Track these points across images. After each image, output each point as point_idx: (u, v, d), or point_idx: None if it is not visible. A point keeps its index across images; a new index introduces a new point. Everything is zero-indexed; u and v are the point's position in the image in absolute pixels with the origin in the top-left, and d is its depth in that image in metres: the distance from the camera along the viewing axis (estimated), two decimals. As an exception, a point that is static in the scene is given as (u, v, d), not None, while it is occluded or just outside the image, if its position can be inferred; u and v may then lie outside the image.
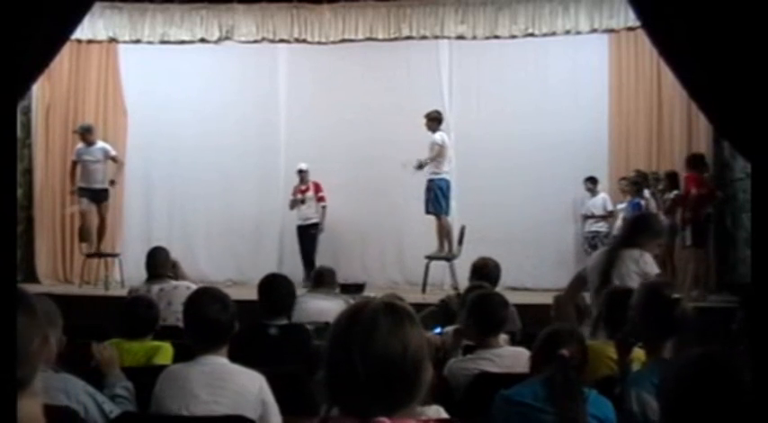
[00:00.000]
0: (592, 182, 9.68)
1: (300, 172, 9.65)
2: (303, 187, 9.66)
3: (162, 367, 3.10)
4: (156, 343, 3.76)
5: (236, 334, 2.94)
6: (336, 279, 6.09)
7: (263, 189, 10.30)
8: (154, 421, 2.90)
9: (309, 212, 9.66)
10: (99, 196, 9.17)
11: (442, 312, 5.13)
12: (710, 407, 1.32)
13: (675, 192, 8.46)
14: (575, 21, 9.65)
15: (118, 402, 2.84)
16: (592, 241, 9.69)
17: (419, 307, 5.17)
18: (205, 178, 10.27)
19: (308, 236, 9.61)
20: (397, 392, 1.43)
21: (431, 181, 8.71)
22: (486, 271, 5.23)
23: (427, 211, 8.80)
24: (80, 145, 9.17)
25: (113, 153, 9.23)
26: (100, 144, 9.19)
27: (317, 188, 9.72)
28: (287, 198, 9.86)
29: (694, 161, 8.44)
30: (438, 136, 8.77)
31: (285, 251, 10.03)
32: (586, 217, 9.77)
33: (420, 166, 8.74)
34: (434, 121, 8.86)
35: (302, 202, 9.61)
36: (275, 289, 4.20)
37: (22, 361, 1.50)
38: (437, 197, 8.69)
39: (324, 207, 9.70)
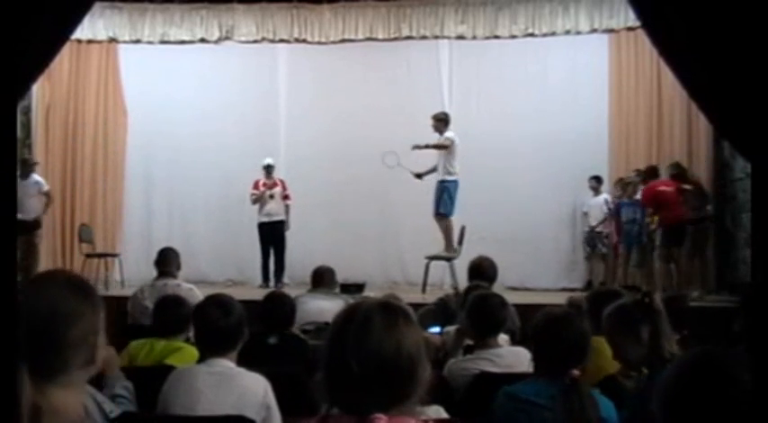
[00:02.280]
0: (597, 181, 9.65)
1: (268, 167, 9.49)
2: (270, 182, 9.51)
3: (168, 368, 3.13)
4: (179, 344, 3.72)
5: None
6: (336, 279, 6.10)
7: (263, 189, 10.30)
8: (155, 421, 2.91)
9: (276, 209, 9.48)
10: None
11: (440, 311, 5.13)
12: (709, 407, 1.32)
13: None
14: (575, 21, 9.65)
15: (118, 402, 2.84)
16: (591, 242, 9.69)
17: (419, 307, 5.17)
18: (205, 178, 10.27)
19: (278, 234, 9.46)
20: (392, 390, 1.44)
21: (443, 182, 8.58)
22: (482, 270, 5.24)
23: (437, 213, 8.66)
24: None
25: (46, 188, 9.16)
26: (34, 178, 9.10)
27: (283, 185, 9.59)
28: (290, 193, 9.78)
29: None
30: (451, 134, 8.64)
31: (285, 251, 10.02)
32: (585, 213, 9.77)
33: (418, 176, 8.79)
34: (441, 121, 8.77)
35: (271, 196, 9.46)
36: (278, 307, 4.28)
37: (57, 346, 1.47)
38: (450, 199, 8.58)
39: (288, 205, 9.57)
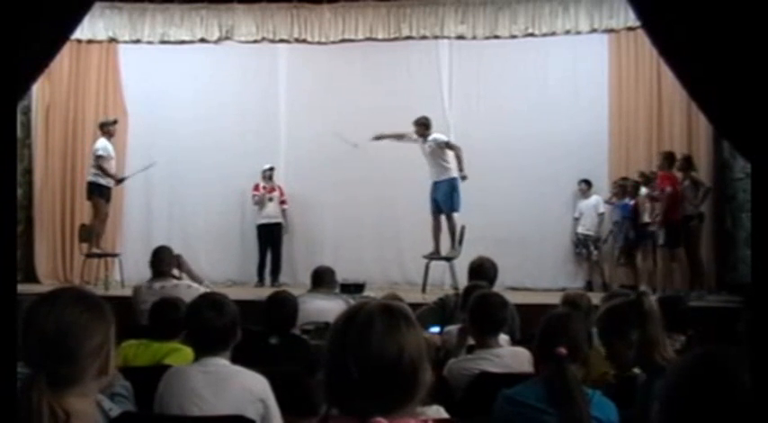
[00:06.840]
0: (586, 184, 9.69)
1: (268, 170, 9.81)
2: (270, 186, 9.84)
3: (167, 367, 3.12)
4: (177, 345, 3.73)
5: (237, 342, 2.99)
6: (336, 279, 6.10)
7: (262, 189, 10.30)
8: (154, 421, 2.91)
9: (275, 211, 9.87)
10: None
11: (439, 310, 5.13)
12: (710, 407, 1.32)
13: (646, 190, 8.61)
14: (575, 21, 9.64)
15: (117, 401, 2.84)
16: (585, 242, 9.69)
17: (419, 307, 5.17)
18: (205, 178, 10.26)
19: (276, 236, 9.83)
20: (394, 393, 1.43)
21: (453, 179, 8.66)
22: (483, 270, 5.24)
23: (451, 211, 8.72)
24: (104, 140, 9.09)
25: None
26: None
27: (281, 191, 9.96)
28: (287, 198, 9.97)
29: (668, 159, 8.43)
30: (443, 136, 8.76)
31: (285, 251, 10.03)
32: (576, 219, 9.79)
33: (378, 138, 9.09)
34: (423, 126, 8.84)
35: (270, 200, 9.81)
36: (280, 308, 4.28)
37: (73, 358, 1.60)
38: (459, 196, 8.67)
39: (285, 210, 9.95)
